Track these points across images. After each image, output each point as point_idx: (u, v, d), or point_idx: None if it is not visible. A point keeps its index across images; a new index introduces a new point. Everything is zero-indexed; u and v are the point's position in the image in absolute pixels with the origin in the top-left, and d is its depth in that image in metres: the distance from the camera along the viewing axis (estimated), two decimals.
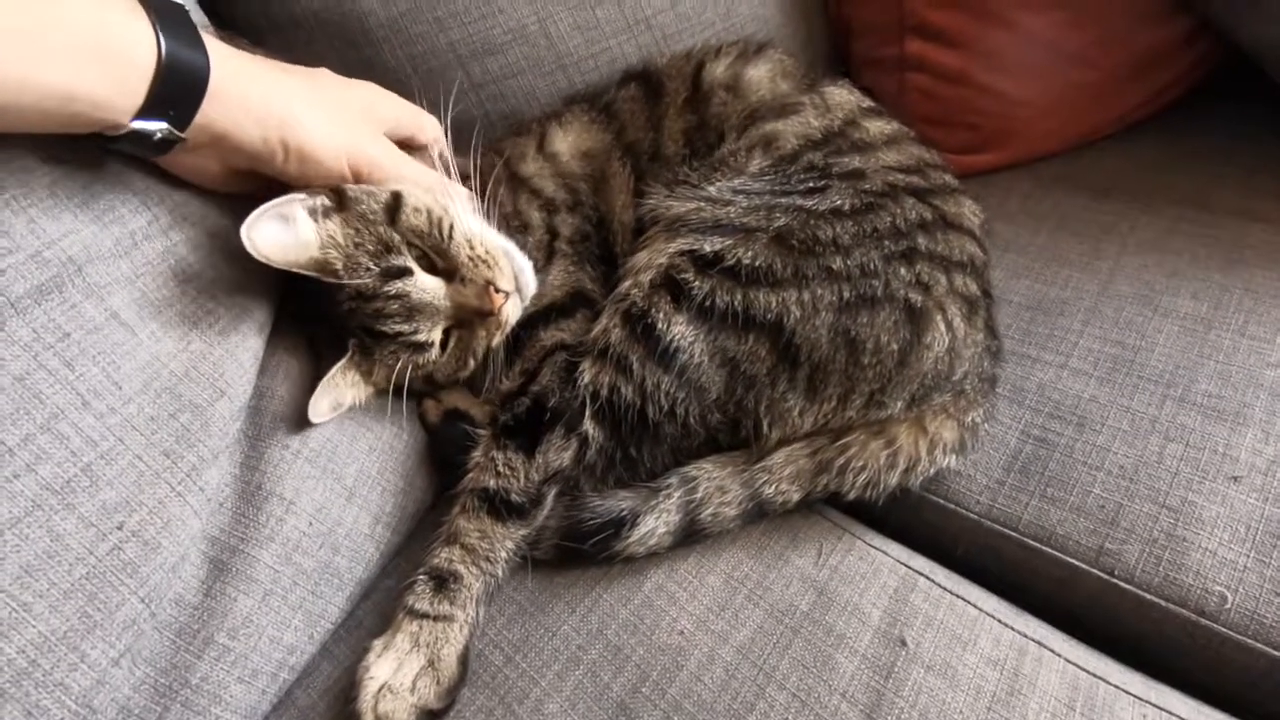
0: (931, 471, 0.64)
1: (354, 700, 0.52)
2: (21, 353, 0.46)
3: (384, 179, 0.61)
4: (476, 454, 0.61)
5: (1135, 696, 0.51)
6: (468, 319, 0.62)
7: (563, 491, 0.62)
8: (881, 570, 0.60)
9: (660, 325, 0.60)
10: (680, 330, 0.59)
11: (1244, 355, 0.69)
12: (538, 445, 0.60)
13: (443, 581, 0.56)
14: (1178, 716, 0.50)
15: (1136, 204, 0.89)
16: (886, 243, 0.61)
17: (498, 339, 0.64)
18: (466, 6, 0.80)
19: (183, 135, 0.49)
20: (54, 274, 0.48)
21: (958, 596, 0.58)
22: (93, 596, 0.47)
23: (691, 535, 0.61)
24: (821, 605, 0.57)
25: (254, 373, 0.59)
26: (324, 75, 0.61)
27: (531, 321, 0.66)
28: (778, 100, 0.72)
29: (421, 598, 0.56)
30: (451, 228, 0.61)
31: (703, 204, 0.64)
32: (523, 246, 0.66)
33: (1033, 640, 0.55)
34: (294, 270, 0.56)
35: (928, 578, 0.59)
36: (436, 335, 0.61)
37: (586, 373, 0.61)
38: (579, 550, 0.59)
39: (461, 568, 0.57)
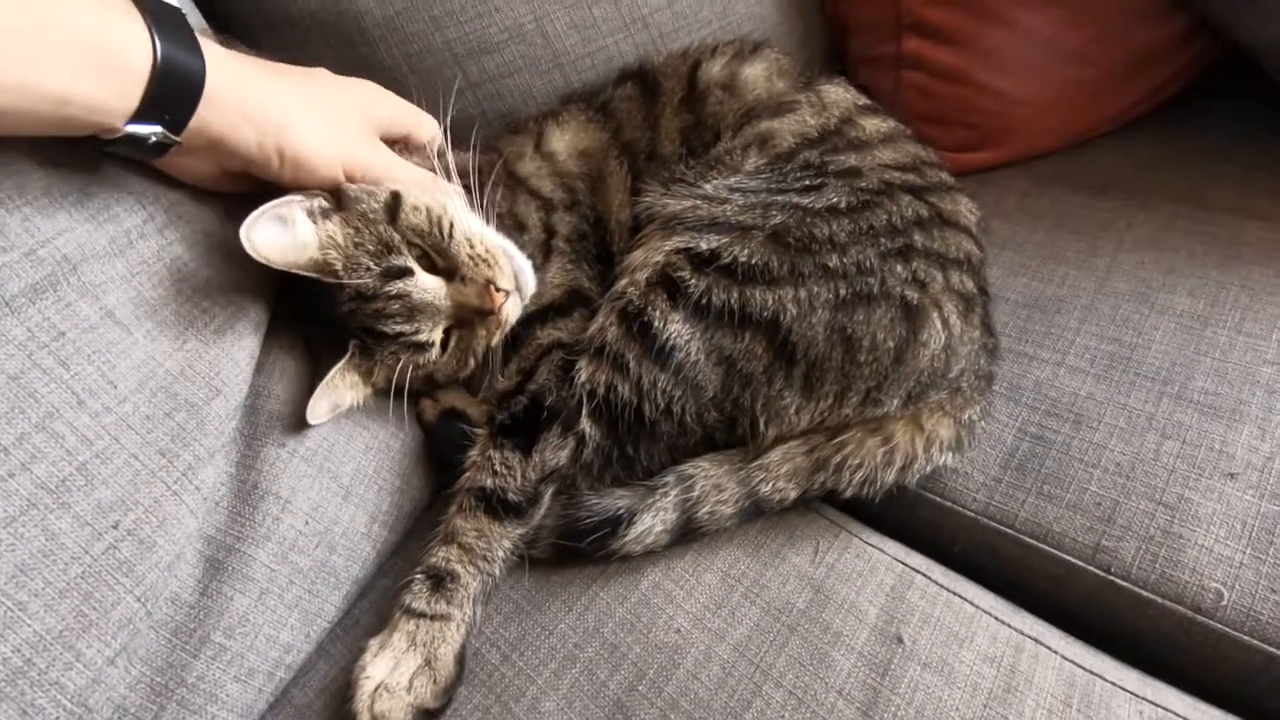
0: (928, 469, 0.63)
1: (350, 699, 0.52)
2: (16, 351, 0.46)
3: (378, 182, 0.61)
4: (473, 453, 0.61)
5: (1132, 693, 0.51)
6: (468, 318, 0.62)
7: (560, 490, 0.62)
8: (878, 568, 0.60)
9: (657, 323, 0.60)
10: (677, 328, 0.59)
11: (1240, 352, 0.69)
12: (534, 444, 0.60)
13: (440, 581, 0.56)
14: (1174, 713, 0.50)
15: (1134, 201, 0.89)
16: (883, 240, 0.61)
17: (498, 338, 0.64)
18: (463, 5, 0.80)
19: (178, 139, 0.49)
20: (49, 272, 0.48)
21: (954, 594, 0.58)
22: (88, 595, 0.47)
23: (688, 533, 0.61)
24: (818, 603, 0.57)
25: (250, 372, 0.59)
26: (320, 76, 0.61)
27: (529, 320, 0.66)
28: (774, 99, 0.72)
29: (418, 597, 0.56)
30: (452, 226, 0.61)
31: (699, 202, 0.64)
32: (520, 245, 0.66)
33: (1029, 637, 0.55)
34: (293, 271, 0.56)
35: (925, 575, 0.59)
36: (437, 335, 0.61)
37: (583, 371, 0.61)
38: (576, 549, 0.59)
39: (459, 567, 0.57)
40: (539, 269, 0.67)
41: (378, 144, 0.62)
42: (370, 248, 0.58)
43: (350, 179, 0.59)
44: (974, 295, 0.65)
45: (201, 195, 0.59)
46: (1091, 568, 0.60)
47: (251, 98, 0.52)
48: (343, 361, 0.60)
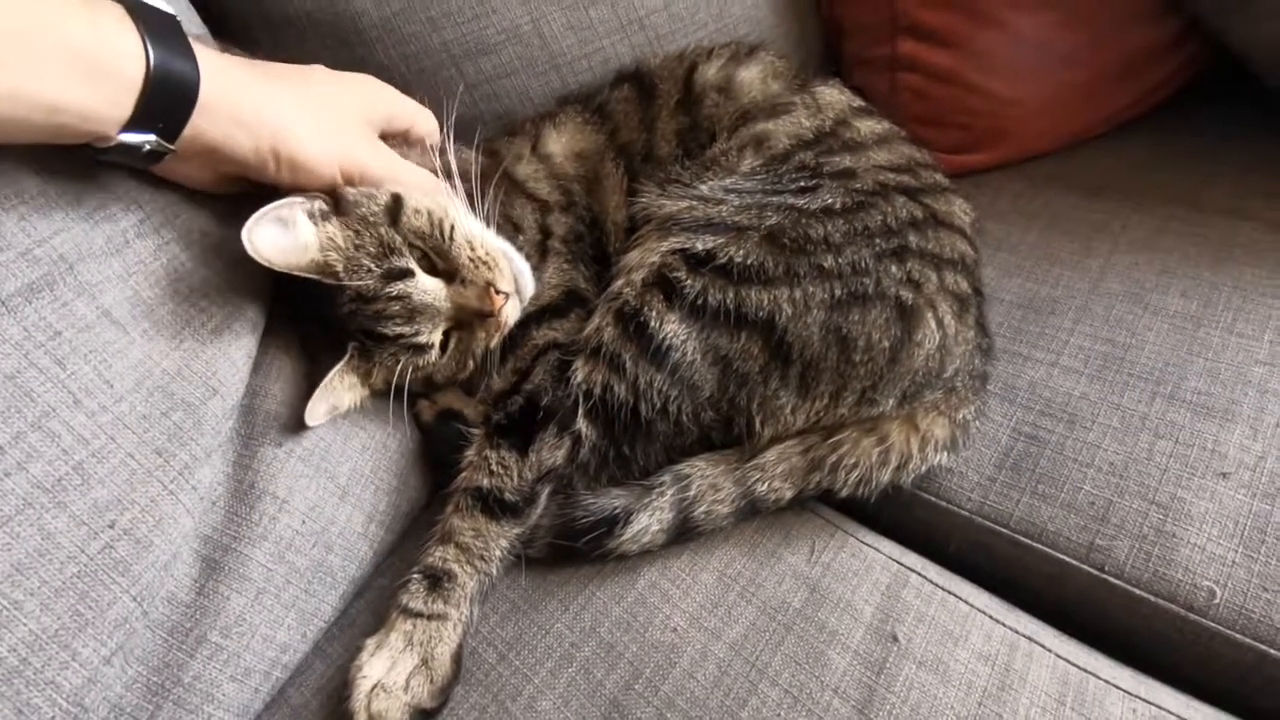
0: (923, 469, 0.64)
1: (347, 699, 0.52)
2: (12, 351, 0.46)
3: (377, 183, 0.61)
4: (470, 453, 0.61)
5: (1125, 691, 0.52)
6: (467, 320, 0.62)
7: (556, 490, 0.62)
8: (874, 567, 0.60)
9: (653, 324, 0.60)
10: (673, 328, 0.60)
11: (1233, 352, 0.69)
12: (531, 444, 0.60)
13: (437, 580, 0.56)
14: (1167, 710, 0.51)
15: (1128, 203, 0.90)
16: (877, 241, 0.61)
17: (496, 340, 0.64)
18: (460, 6, 0.80)
19: (172, 147, 0.49)
20: (45, 272, 0.48)
21: (949, 593, 0.58)
22: (84, 595, 0.47)
23: (685, 533, 0.61)
24: (814, 602, 0.57)
25: (247, 371, 0.59)
26: (317, 74, 0.60)
27: (525, 321, 0.66)
28: (769, 101, 0.73)
29: (415, 596, 0.56)
30: (453, 229, 0.61)
31: (695, 203, 0.65)
32: (517, 247, 0.66)
33: (1023, 636, 0.55)
34: (294, 273, 0.56)
35: (920, 574, 0.59)
36: (437, 337, 0.61)
37: (579, 371, 0.61)
38: (572, 548, 0.60)
39: (455, 566, 0.57)
40: (535, 269, 0.67)
41: (376, 142, 0.62)
42: (371, 249, 0.58)
43: (349, 178, 0.59)
44: (968, 296, 0.65)
45: (198, 194, 0.59)
46: (1085, 566, 0.60)
47: (246, 103, 0.52)
48: (341, 363, 0.60)
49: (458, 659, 0.55)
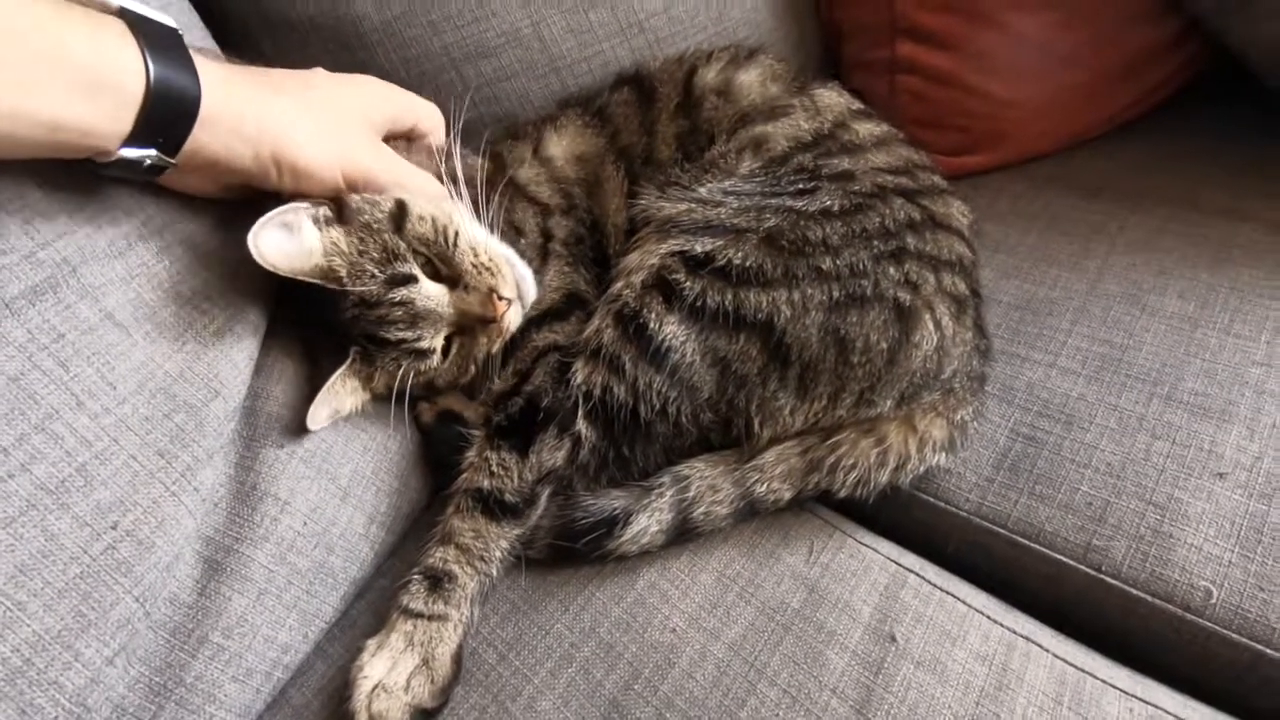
0: (921, 469, 0.64)
1: (348, 699, 0.52)
2: (16, 353, 0.47)
3: (380, 188, 0.61)
4: (470, 454, 0.61)
5: (1122, 691, 0.52)
6: (470, 326, 0.63)
7: (556, 491, 0.62)
8: (872, 568, 0.60)
9: (652, 325, 0.60)
10: (672, 330, 0.60)
11: (1230, 353, 0.69)
12: (531, 445, 0.60)
13: (437, 581, 0.57)
14: (1164, 710, 0.51)
15: (1126, 204, 0.90)
16: (875, 243, 0.61)
17: (498, 345, 0.64)
18: (460, 10, 0.80)
19: (173, 161, 0.49)
20: (48, 275, 0.49)
21: (947, 593, 0.58)
22: (87, 595, 0.47)
23: (684, 534, 0.61)
24: (812, 602, 0.58)
25: (249, 373, 0.60)
26: (318, 78, 0.60)
27: (526, 324, 0.66)
28: (768, 103, 0.73)
29: (416, 597, 0.56)
30: (457, 235, 0.61)
31: (694, 205, 0.65)
32: (519, 251, 0.67)
33: (1021, 636, 0.55)
34: (299, 278, 0.56)
35: (918, 575, 0.59)
36: (439, 342, 0.62)
37: (579, 373, 0.62)
38: (572, 549, 0.60)
39: (456, 567, 0.57)
40: (536, 273, 0.67)
41: (379, 146, 0.62)
42: (375, 255, 0.58)
43: (353, 186, 0.59)
44: (966, 297, 0.66)
45: (201, 198, 0.59)
46: (1083, 567, 0.61)
47: (247, 114, 0.51)
48: (343, 367, 0.60)
49: (458, 659, 0.55)
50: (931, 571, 0.60)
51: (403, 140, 0.67)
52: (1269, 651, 0.54)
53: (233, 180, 0.55)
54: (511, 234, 0.69)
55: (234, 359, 0.58)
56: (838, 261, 0.60)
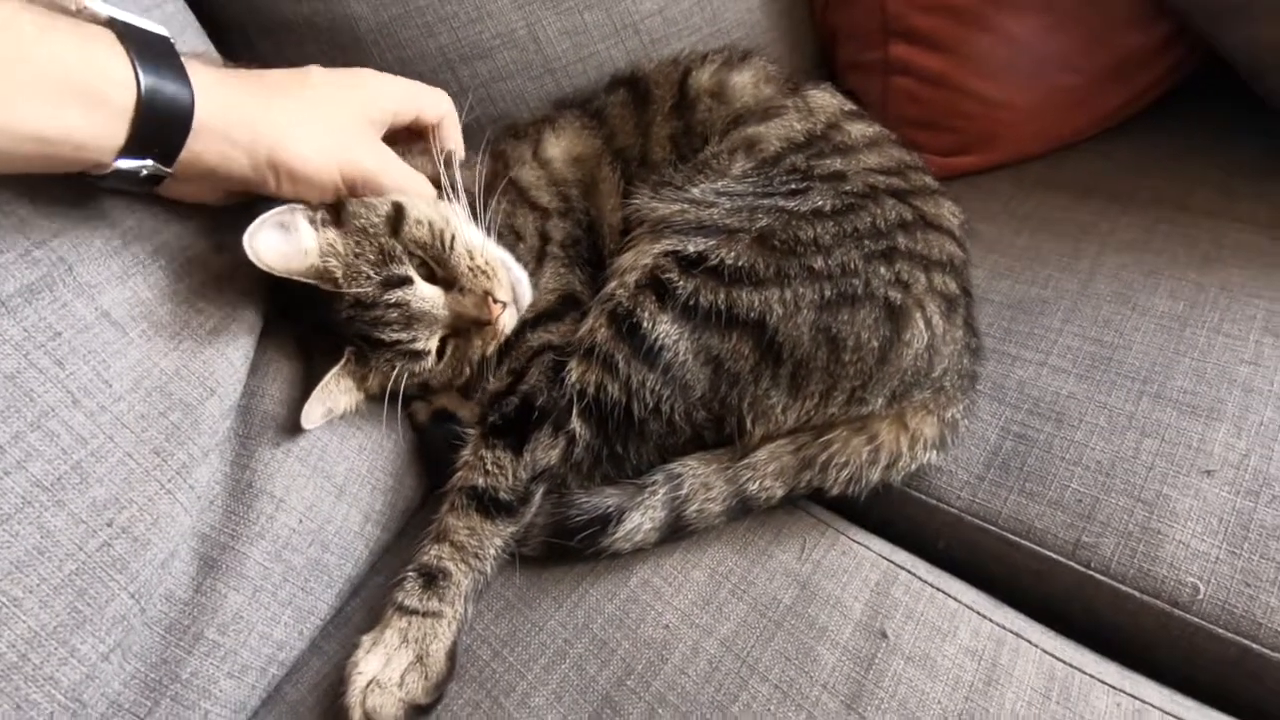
0: (913, 467, 0.64)
1: (343, 694, 0.52)
2: (12, 351, 0.47)
3: (378, 190, 0.60)
4: (465, 453, 0.62)
5: (1110, 685, 0.52)
6: (464, 328, 0.63)
7: (550, 489, 0.62)
8: (864, 564, 0.60)
9: (645, 324, 0.60)
10: (665, 329, 0.60)
11: (1219, 352, 0.70)
12: (525, 444, 0.61)
13: (432, 578, 0.57)
14: (1150, 704, 0.51)
15: (1116, 205, 0.90)
16: (867, 242, 0.62)
17: (493, 348, 0.65)
18: (455, 11, 0.81)
19: (169, 170, 0.49)
20: (44, 273, 0.49)
21: (938, 589, 0.58)
22: (82, 592, 0.47)
23: (677, 531, 0.61)
24: (804, 599, 0.58)
25: (244, 372, 0.60)
26: (313, 77, 0.59)
27: (521, 324, 0.67)
28: (761, 105, 0.74)
29: (410, 594, 0.56)
30: (453, 239, 0.62)
31: (686, 206, 0.66)
32: (517, 256, 0.67)
33: (1010, 631, 0.56)
34: (295, 278, 0.56)
35: (909, 571, 0.60)
36: (434, 344, 0.62)
37: (573, 372, 0.62)
38: (566, 546, 0.60)
39: (450, 565, 0.58)
40: (532, 275, 0.68)
41: (377, 145, 0.61)
42: (371, 257, 0.58)
43: (352, 189, 0.59)
44: (956, 296, 0.66)
45: None
46: (1072, 563, 0.61)
47: (242, 121, 0.51)
48: (337, 367, 0.61)
49: (452, 656, 0.55)
50: (923, 568, 0.61)
51: (402, 143, 0.67)
52: (1255, 646, 0.55)
53: (232, 187, 0.55)
54: (510, 238, 0.69)
55: (230, 357, 0.58)
56: (829, 261, 0.61)
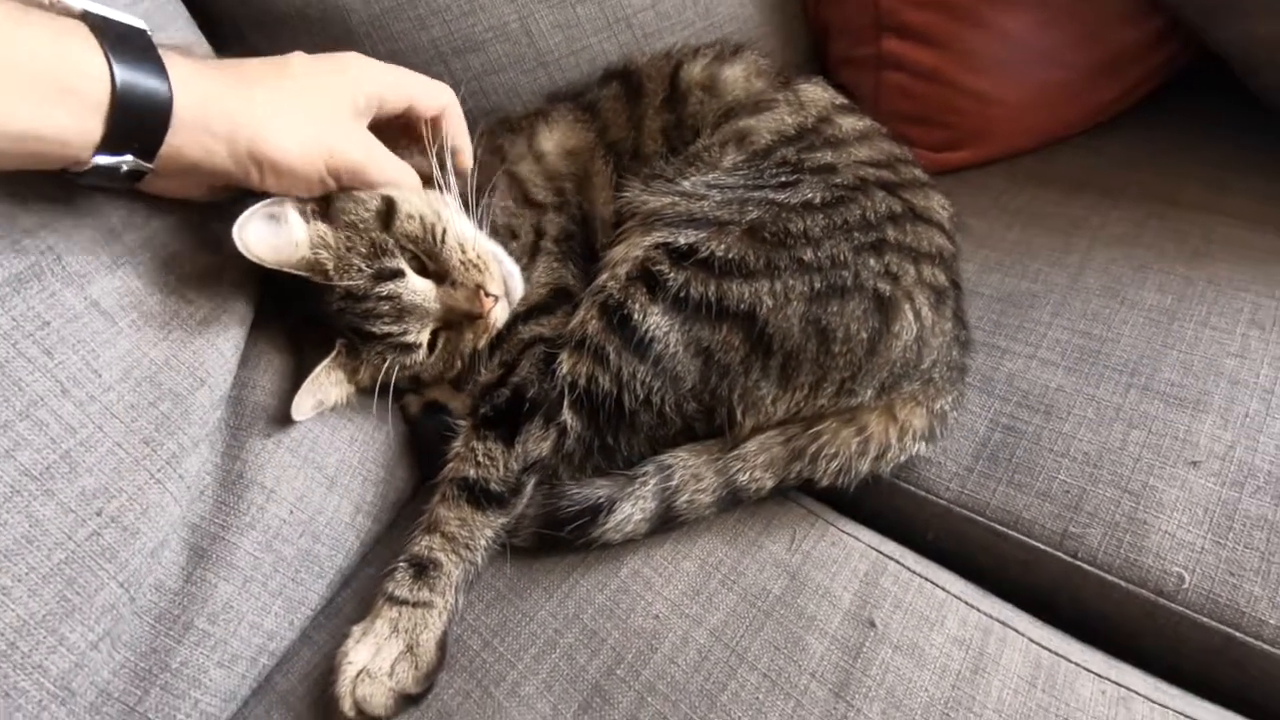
0: (902, 458, 0.65)
1: (333, 684, 0.53)
2: (1, 340, 0.47)
3: (365, 181, 0.59)
4: (457, 444, 0.62)
5: (1096, 674, 0.53)
6: (456, 321, 0.63)
7: (541, 480, 0.63)
8: (853, 555, 0.61)
9: (636, 316, 0.61)
10: (656, 321, 0.61)
11: (1206, 345, 0.71)
12: (517, 435, 0.61)
13: (422, 569, 0.57)
14: (1135, 692, 0.52)
15: (1107, 200, 0.91)
16: (856, 234, 0.62)
17: (484, 341, 0.65)
18: (447, 4, 0.81)
19: (150, 166, 0.48)
20: (33, 262, 0.49)
21: (926, 579, 0.59)
22: (71, 581, 0.47)
23: (667, 522, 0.62)
24: (794, 589, 0.58)
25: (235, 362, 0.60)
26: (295, 65, 0.57)
27: (513, 317, 0.67)
28: (752, 98, 0.74)
29: (401, 585, 0.57)
30: (444, 233, 0.61)
31: (677, 199, 0.66)
32: (510, 251, 0.67)
33: (998, 621, 0.56)
34: (285, 270, 0.56)
35: (898, 562, 0.60)
36: (425, 337, 0.62)
37: (565, 363, 0.62)
38: (557, 537, 0.60)
39: (441, 555, 0.58)
40: (525, 270, 0.68)
41: (361, 134, 0.59)
42: (363, 250, 0.58)
43: (336, 175, 0.58)
44: (946, 288, 0.66)
45: None
46: (1059, 553, 0.62)
47: (222, 114, 0.50)
48: (328, 359, 0.60)
49: (442, 646, 0.56)
50: (911, 559, 0.61)
51: (398, 128, 0.65)
52: (1238, 634, 0.55)
53: (215, 182, 0.54)
54: (505, 233, 0.69)
55: (220, 348, 0.58)
56: (819, 253, 0.61)
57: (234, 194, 0.55)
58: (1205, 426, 0.65)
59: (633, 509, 0.61)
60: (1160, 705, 0.51)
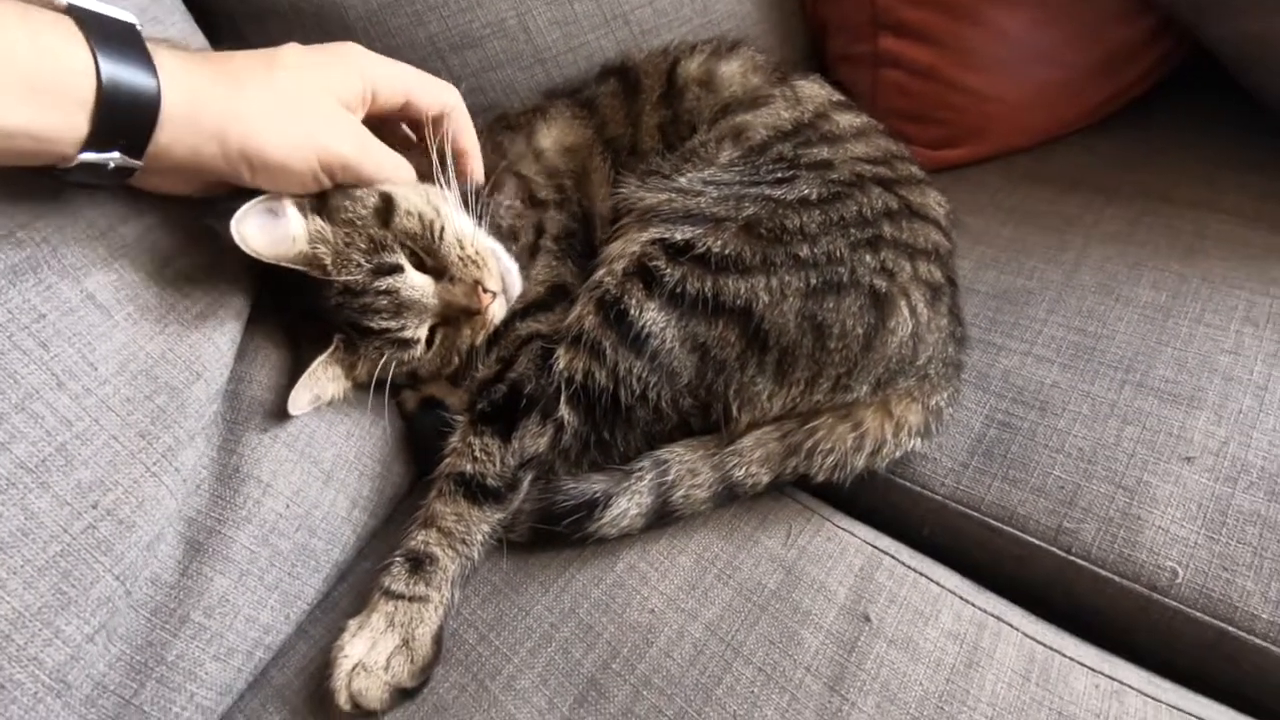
0: (897, 454, 0.65)
1: (328, 677, 0.53)
2: None
3: (359, 177, 0.59)
4: (454, 440, 0.62)
5: (1089, 668, 0.53)
6: (454, 317, 0.63)
7: (538, 475, 0.63)
8: (848, 550, 0.61)
9: (633, 312, 0.61)
10: (652, 316, 0.61)
11: (1200, 342, 0.71)
12: (514, 431, 0.61)
13: (419, 563, 0.57)
14: (1129, 686, 0.52)
15: (1101, 197, 0.91)
16: (852, 231, 0.62)
17: (481, 337, 0.65)
18: (445, 0, 0.81)
19: (138, 163, 0.47)
20: (29, 255, 0.49)
21: (921, 574, 0.59)
22: (67, 573, 0.47)
23: (663, 517, 0.62)
24: (789, 584, 0.58)
25: (231, 357, 0.60)
26: (288, 57, 0.55)
27: (511, 314, 0.67)
28: (749, 94, 0.74)
29: (397, 579, 0.57)
30: (443, 229, 0.61)
31: (673, 195, 0.66)
32: (510, 249, 0.67)
33: (992, 615, 0.56)
34: (283, 264, 0.56)
35: (893, 557, 0.60)
36: (423, 332, 0.62)
37: (561, 359, 0.62)
38: (553, 532, 0.60)
39: (437, 550, 0.58)
40: (524, 268, 0.68)
41: (354, 129, 0.57)
42: (362, 245, 0.58)
43: (329, 171, 0.57)
44: (941, 285, 0.67)
45: None
46: (1053, 549, 0.62)
47: (211, 112, 0.48)
48: (325, 354, 0.60)
49: (438, 640, 0.56)
50: (906, 554, 0.61)
51: (395, 124, 0.65)
52: (1231, 629, 0.55)
53: (207, 179, 0.53)
54: (508, 235, 0.69)
55: (216, 342, 0.58)
56: (815, 249, 0.61)
57: (231, 189, 0.55)
58: (1199, 423, 0.65)
59: (629, 504, 0.61)
60: (1153, 699, 0.51)
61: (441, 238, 0.61)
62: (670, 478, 0.62)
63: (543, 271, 0.69)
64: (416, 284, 0.60)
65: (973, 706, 0.50)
